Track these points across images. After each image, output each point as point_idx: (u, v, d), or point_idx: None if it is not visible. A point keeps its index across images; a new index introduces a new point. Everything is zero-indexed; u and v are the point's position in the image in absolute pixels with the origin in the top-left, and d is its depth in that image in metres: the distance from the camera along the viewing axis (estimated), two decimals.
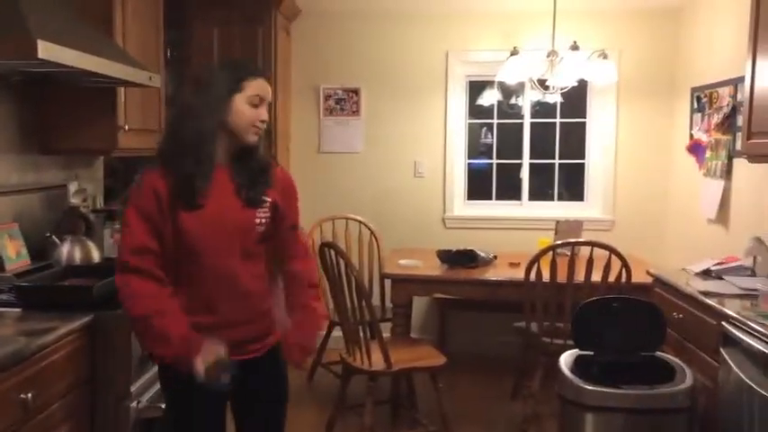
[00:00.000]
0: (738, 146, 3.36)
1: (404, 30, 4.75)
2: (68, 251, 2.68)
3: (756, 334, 2.17)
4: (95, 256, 2.75)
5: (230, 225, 1.88)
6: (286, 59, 4.60)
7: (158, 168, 1.86)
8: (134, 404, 2.13)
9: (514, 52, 4.11)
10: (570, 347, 2.76)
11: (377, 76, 4.76)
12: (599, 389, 2.42)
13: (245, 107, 1.88)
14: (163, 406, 2.18)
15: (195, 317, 1.84)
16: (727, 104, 3.72)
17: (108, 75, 2.35)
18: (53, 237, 2.72)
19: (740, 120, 3.29)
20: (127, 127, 2.87)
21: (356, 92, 4.79)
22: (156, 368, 2.23)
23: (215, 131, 1.87)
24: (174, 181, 1.83)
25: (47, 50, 1.95)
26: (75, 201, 2.97)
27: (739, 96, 3.53)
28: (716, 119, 3.86)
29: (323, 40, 4.79)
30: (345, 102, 4.82)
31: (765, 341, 2.11)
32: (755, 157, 2.85)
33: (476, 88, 4.87)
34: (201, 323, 1.84)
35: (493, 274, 3.77)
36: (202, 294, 1.88)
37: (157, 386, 2.25)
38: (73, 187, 3.02)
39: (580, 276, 3.41)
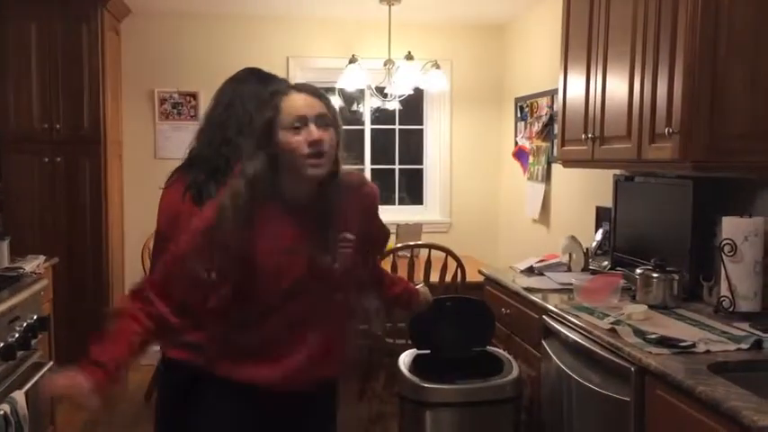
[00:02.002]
0: (555, 152, 3.66)
1: (243, 33, 4.67)
2: None
3: (571, 325, 2.37)
4: None
5: None
6: (115, 61, 4.35)
7: None
8: None
9: (353, 60, 4.18)
10: (411, 347, 2.85)
11: (216, 79, 4.44)
12: (434, 386, 2.52)
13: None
14: None
15: None
16: (546, 114, 4.04)
17: None
18: None
19: (556, 128, 3.59)
20: None
21: (194, 96, 4.63)
22: None
23: None
24: None
25: None
26: None
27: (555, 107, 3.85)
28: (536, 127, 4.18)
29: (156, 41, 4.58)
30: (183, 106, 4.64)
31: (578, 331, 2.31)
32: (568, 162, 3.12)
33: None
34: None
35: None
36: None
37: None
38: None
39: (419, 277, 3.53)
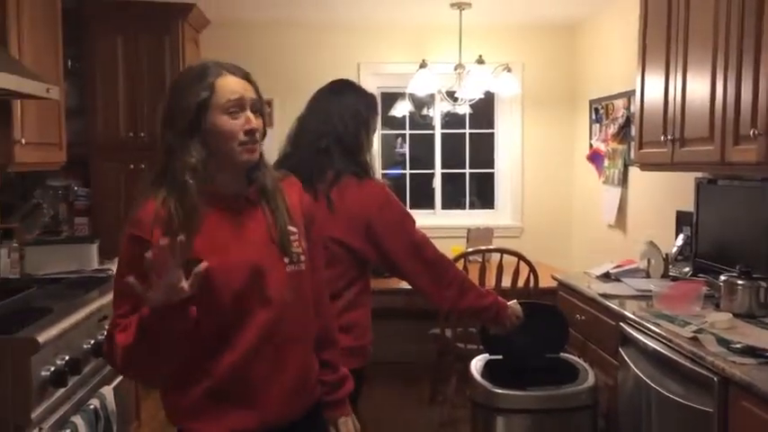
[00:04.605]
0: (632, 155, 3.56)
1: (315, 41, 4.77)
2: None
3: (650, 333, 2.31)
4: None
5: None
6: None
7: None
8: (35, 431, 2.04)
9: (423, 65, 4.20)
10: (482, 352, 2.84)
11: (289, 87, 4.72)
12: (507, 392, 2.50)
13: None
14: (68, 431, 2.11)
15: None
16: (622, 116, 3.94)
17: (0, 87, 2.24)
18: None
19: (633, 130, 3.50)
20: (24, 141, 2.74)
21: (269, 103, 4.75)
22: (58, 392, 2.15)
23: None
24: None
25: None
26: None
27: (632, 108, 3.75)
28: (612, 129, 4.08)
29: (233, 50, 4.70)
30: None
31: (658, 339, 2.25)
32: (647, 165, 3.03)
33: (388, 99, 4.94)
34: None
35: (407, 283, 3.82)
36: None
37: (61, 412, 2.16)
38: None
39: (491, 282, 3.51)
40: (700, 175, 2.96)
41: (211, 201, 1.44)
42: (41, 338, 2.04)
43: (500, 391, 2.51)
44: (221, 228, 1.45)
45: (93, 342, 2.42)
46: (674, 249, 3.10)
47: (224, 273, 1.41)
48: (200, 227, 1.39)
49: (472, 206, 5.13)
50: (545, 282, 3.56)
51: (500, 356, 2.70)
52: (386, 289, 3.74)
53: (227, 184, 1.48)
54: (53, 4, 3.11)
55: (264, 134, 1.50)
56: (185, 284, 1.28)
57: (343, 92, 2.12)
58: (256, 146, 1.46)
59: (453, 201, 5.10)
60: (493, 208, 5.08)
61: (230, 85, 1.44)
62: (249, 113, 1.45)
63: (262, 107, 1.50)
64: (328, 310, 1.70)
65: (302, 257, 1.53)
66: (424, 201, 5.02)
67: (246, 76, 1.49)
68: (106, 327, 2.57)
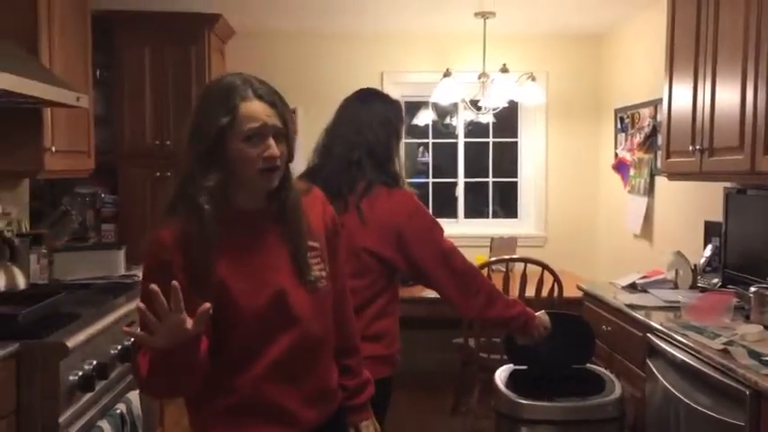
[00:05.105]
0: (659, 164, 3.52)
1: (339, 50, 4.80)
2: None
3: (679, 344, 2.28)
4: (21, 282, 2.65)
5: None
6: None
7: None
8: None
9: (447, 74, 4.20)
10: (507, 362, 2.82)
11: (314, 96, 4.75)
12: (532, 402, 2.48)
13: None
14: None
15: None
16: (648, 125, 3.90)
17: (32, 95, 2.28)
18: None
19: (660, 139, 3.46)
20: (54, 149, 2.79)
21: (293, 112, 4.78)
22: (86, 397, 2.17)
23: None
24: None
25: None
26: None
27: (658, 117, 3.71)
28: (638, 138, 4.04)
29: (258, 60, 4.76)
30: None
31: (687, 351, 2.21)
32: (674, 174, 3.00)
33: (411, 108, 4.94)
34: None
35: (431, 292, 3.79)
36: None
37: (88, 416, 2.18)
38: None
39: (515, 292, 3.49)
40: (728, 184, 2.92)
41: (231, 220, 1.43)
42: (70, 343, 2.06)
43: (525, 401, 2.49)
44: (243, 250, 1.45)
45: (119, 347, 2.44)
46: (703, 260, 3.06)
47: (248, 296, 1.42)
48: (220, 249, 1.39)
49: (495, 215, 5.11)
50: (570, 291, 3.53)
51: (525, 367, 2.68)
52: (409, 298, 3.72)
53: (246, 200, 1.47)
54: (83, 15, 3.17)
55: (291, 159, 1.48)
56: (189, 324, 1.26)
57: (371, 100, 2.12)
58: (274, 174, 1.43)
59: (476, 210, 5.08)
60: (516, 217, 5.05)
61: (253, 112, 1.40)
62: (270, 141, 1.41)
63: (288, 134, 1.45)
64: (350, 318, 1.71)
65: (323, 275, 1.52)
66: (447, 210, 5.01)
67: (273, 101, 1.43)
68: None
